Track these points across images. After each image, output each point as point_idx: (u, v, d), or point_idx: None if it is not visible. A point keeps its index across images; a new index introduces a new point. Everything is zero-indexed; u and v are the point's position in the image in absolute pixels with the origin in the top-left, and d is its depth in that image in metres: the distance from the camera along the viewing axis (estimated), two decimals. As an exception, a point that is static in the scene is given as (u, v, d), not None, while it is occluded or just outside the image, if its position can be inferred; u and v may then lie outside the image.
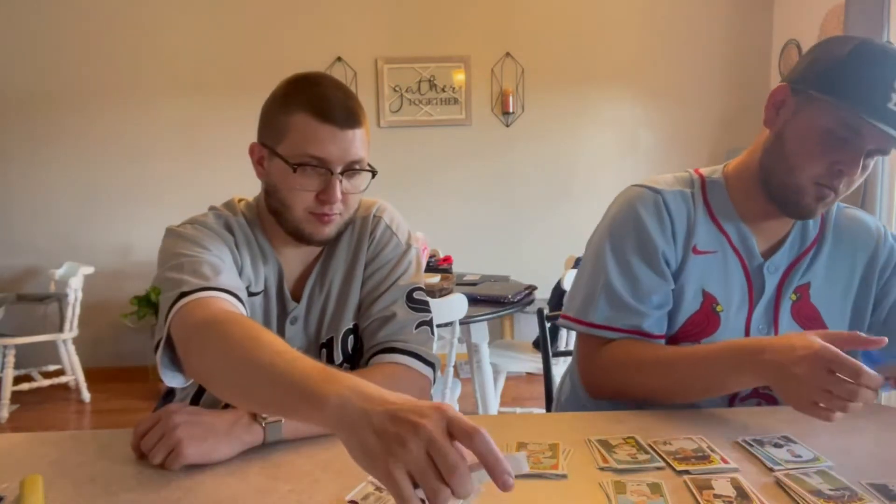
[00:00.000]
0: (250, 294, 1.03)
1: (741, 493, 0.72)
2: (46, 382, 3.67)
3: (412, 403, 0.57)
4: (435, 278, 2.66)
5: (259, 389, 0.71)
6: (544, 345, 1.61)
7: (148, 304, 3.78)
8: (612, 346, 1.07)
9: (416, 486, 0.53)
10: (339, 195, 0.98)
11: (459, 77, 4.10)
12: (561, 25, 4.12)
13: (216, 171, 4.02)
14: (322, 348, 1.10)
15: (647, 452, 0.83)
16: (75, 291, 3.55)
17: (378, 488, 0.73)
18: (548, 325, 1.61)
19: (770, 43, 4.16)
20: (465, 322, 2.40)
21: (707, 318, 1.07)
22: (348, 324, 1.10)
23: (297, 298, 1.09)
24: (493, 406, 2.83)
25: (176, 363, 0.91)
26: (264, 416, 0.84)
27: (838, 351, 0.81)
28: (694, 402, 1.03)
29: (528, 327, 4.09)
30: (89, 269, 3.69)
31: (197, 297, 0.87)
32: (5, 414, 3.41)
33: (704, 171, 1.16)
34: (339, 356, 1.09)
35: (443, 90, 4.11)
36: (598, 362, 1.08)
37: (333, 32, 4.04)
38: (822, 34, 3.57)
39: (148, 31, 3.97)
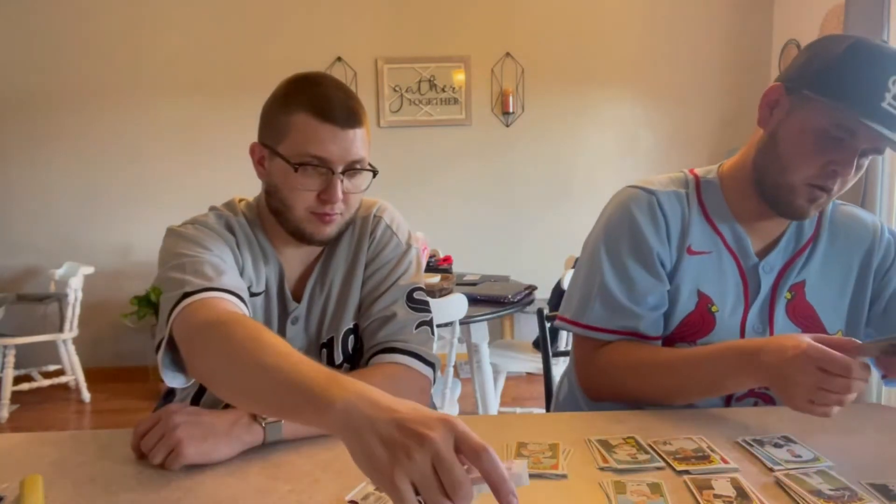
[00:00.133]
0: (252, 294, 1.03)
1: (741, 493, 0.72)
2: (46, 382, 3.67)
3: (420, 413, 0.57)
4: (435, 278, 2.66)
5: (263, 392, 0.71)
6: (544, 345, 1.62)
7: (148, 304, 3.78)
8: (609, 348, 1.07)
9: (417, 494, 0.54)
10: (340, 195, 0.98)
11: (459, 77, 4.10)
12: (561, 25, 4.12)
13: (216, 171, 4.02)
14: (322, 348, 1.10)
15: (647, 452, 0.83)
16: (75, 291, 3.55)
17: (378, 488, 0.73)
18: (548, 325, 1.61)
19: (770, 43, 4.16)
20: (465, 322, 2.40)
21: (702, 319, 1.07)
22: (349, 324, 1.10)
23: (297, 298, 1.09)
24: (493, 406, 2.83)
25: (177, 363, 0.91)
26: (264, 416, 0.84)
27: (826, 348, 0.81)
28: (692, 402, 1.03)
29: (528, 327, 4.09)
30: (89, 269, 3.69)
31: (200, 297, 0.87)
32: (5, 414, 3.41)
33: (699, 171, 1.15)
34: (339, 356, 1.09)
35: (443, 90, 4.11)
36: (595, 364, 1.08)
37: (333, 32, 4.04)
38: (822, 34, 3.56)
39: (148, 31, 3.97)
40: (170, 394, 1.18)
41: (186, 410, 0.83)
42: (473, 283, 3.01)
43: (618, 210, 1.11)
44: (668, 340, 1.09)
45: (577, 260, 1.20)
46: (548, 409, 1.53)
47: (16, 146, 3.99)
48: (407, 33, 4.08)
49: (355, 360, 1.11)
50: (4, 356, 3.44)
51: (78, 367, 3.70)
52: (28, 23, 3.90)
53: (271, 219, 1.05)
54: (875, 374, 0.83)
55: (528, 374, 3.87)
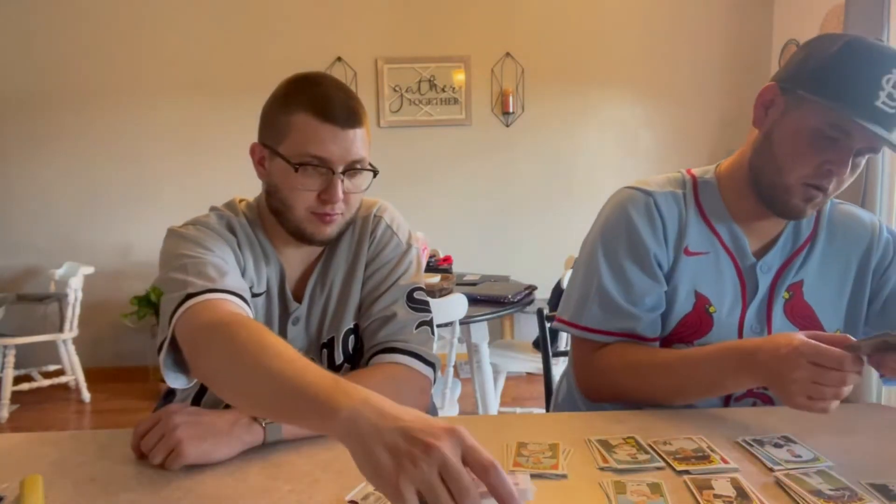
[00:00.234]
0: (253, 295, 1.03)
1: (741, 493, 0.72)
2: (46, 382, 3.67)
3: (426, 423, 0.57)
4: (435, 278, 2.66)
5: (267, 397, 0.71)
6: (544, 345, 1.62)
7: (148, 304, 3.78)
8: (607, 349, 1.07)
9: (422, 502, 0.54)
10: (340, 195, 0.98)
11: (459, 77, 4.10)
12: (561, 25, 4.12)
13: (216, 171, 4.02)
14: (323, 348, 1.10)
15: (647, 452, 0.83)
16: (75, 291, 3.55)
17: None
18: (548, 325, 1.61)
19: (770, 43, 4.16)
20: (465, 322, 2.40)
21: (700, 319, 1.07)
22: (349, 324, 1.10)
23: (298, 299, 1.09)
24: (493, 406, 2.83)
25: (179, 364, 0.91)
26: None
27: (818, 343, 0.82)
28: (690, 403, 1.03)
29: (528, 327, 4.09)
30: (89, 269, 3.69)
31: (203, 298, 0.87)
32: (5, 414, 3.41)
33: (697, 171, 1.15)
34: (339, 356, 1.09)
35: (443, 90, 4.11)
36: (594, 366, 1.08)
37: (333, 32, 4.04)
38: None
39: (148, 31, 3.97)
40: (170, 394, 1.18)
41: (186, 410, 0.83)
42: (473, 283, 3.01)
43: (615, 211, 1.11)
44: (666, 341, 1.09)
45: (576, 260, 1.20)
46: (548, 410, 1.54)
47: (16, 146, 3.99)
48: (407, 33, 4.08)
49: (356, 360, 1.11)
50: (4, 356, 3.44)
51: (78, 367, 3.70)
52: (28, 23, 3.90)
53: (272, 219, 1.05)
54: (875, 374, 0.84)
55: (528, 374, 3.87)
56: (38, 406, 3.66)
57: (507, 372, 3.13)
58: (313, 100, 0.96)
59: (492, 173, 4.21)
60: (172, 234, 1.01)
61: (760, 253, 1.09)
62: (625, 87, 4.19)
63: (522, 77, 4.13)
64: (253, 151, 1.05)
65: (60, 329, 3.63)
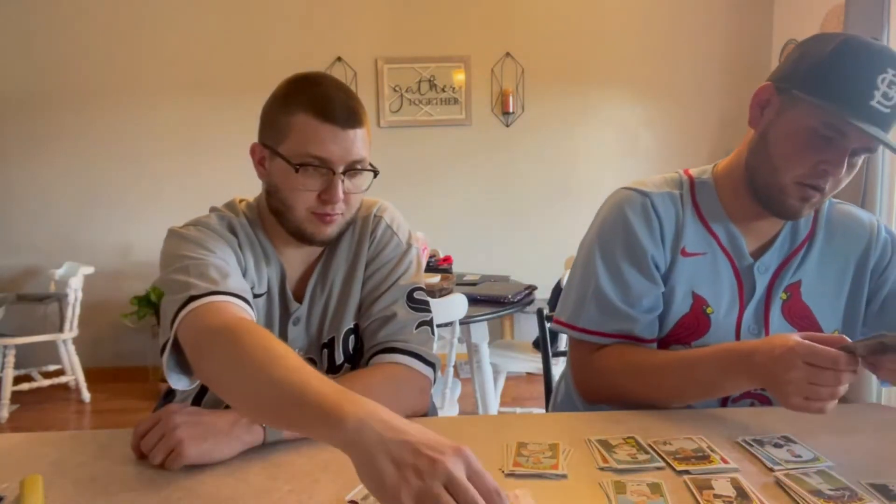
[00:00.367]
0: (254, 296, 1.03)
1: (741, 493, 0.72)
2: (46, 382, 3.67)
3: (432, 439, 0.58)
4: (435, 278, 2.66)
5: (272, 405, 0.71)
6: (544, 345, 1.62)
7: (148, 304, 3.78)
8: (605, 351, 1.07)
9: None
10: (341, 195, 0.98)
11: (459, 77, 4.10)
12: (561, 25, 4.12)
13: (216, 171, 4.02)
14: (323, 348, 1.10)
15: (647, 452, 0.83)
16: (75, 291, 3.55)
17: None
18: (548, 325, 1.61)
19: (770, 43, 4.16)
20: (465, 322, 2.40)
21: (697, 320, 1.07)
22: (349, 324, 1.10)
23: (299, 299, 1.09)
24: (493, 406, 2.83)
25: (181, 365, 0.90)
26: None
27: (812, 344, 0.82)
28: (688, 405, 1.03)
29: (528, 327, 4.09)
30: (89, 269, 3.69)
31: (207, 301, 0.87)
32: (5, 414, 3.41)
33: (694, 171, 1.15)
34: (339, 356, 1.09)
35: (443, 90, 4.11)
36: (591, 367, 1.08)
37: (333, 32, 4.04)
38: (822, 34, 3.56)
39: (148, 31, 3.97)
40: (170, 394, 1.18)
41: (186, 410, 0.83)
42: (473, 283, 3.01)
43: (612, 212, 1.10)
44: (664, 342, 1.09)
45: (573, 262, 1.20)
46: (547, 410, 1.54)
47: (16, 146, 3.99)
48: (407, 33, 4.08)
49: (356, 360, 1.11)
50: (4, 356, 3.44)
51: (78, 367, 3.70)
52: (28, 23, 3.90)
53: (272, 219, 1.05)
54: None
55: (528, 374, 3.87)
56: (38, 406, 3.66)
57: (507, 372, 3.13)
58: (314, 100, 0.96)
59: (492, 173, 4.21)
60: (173, 234, 1.01)
61: (758, 253, 1.09)
62: (625, 87, 4.19)
63: (522, 77, 4.13)
64: (253, 151, 1.05)
65: (60, 329, 3.63)
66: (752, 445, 0.85)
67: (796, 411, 0.83)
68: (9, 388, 3.42)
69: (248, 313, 0.89)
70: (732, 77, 4.18)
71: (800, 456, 0.82)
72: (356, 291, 1.10)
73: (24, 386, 3.56)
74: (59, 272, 3.77)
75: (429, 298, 1.13)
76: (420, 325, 1.07)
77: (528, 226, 4.24)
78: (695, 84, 4.19)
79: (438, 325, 1.99)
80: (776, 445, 0.85)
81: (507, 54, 4.11)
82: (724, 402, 1.08)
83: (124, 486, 0.76)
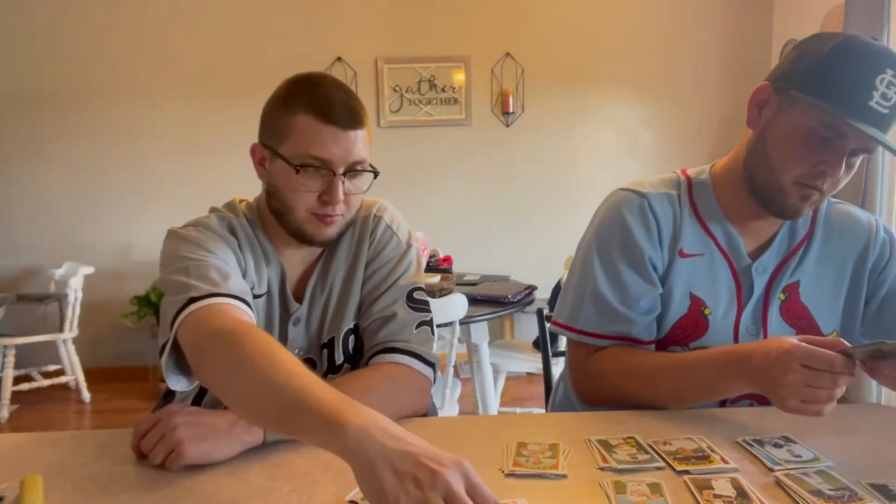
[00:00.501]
0: (254, 296, 1.03)
1: (741, 493, 0.72)
2: (46, 382, 3.67)
3: (433, 451, 0.58)
4: (435, 278, 2.66)
5: (273, 410, 0.71)
6: (544, 345, 1.62)
7: (148, 304, 3.78)
8: (603, 353, 1.07)
9: None
10: (341, 196, 0.98)
11: (459, 77, 4.10)
12: (561, 25, 4.12)
13: (216, 171, 4.02)
14: (323, 348, 1.10)
15: (647, 452, 0.83)
16: (75, 291, 3.55)
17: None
18: (547, 325, 1.61)
19: (770, 43, 4.16)
20: (465, 322, 2.40)
21: (695, 322, 1.06)
22: (349, 324, 1.10)
23: (298, 299, 1.09)
24: (493, 406, 2.83)
25: (181, 366, 0.90)
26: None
27: (808, 346, 0.81)
28: (686, 407, 1.03)
29: (528, 327, 4.09)
30: (89, 269, 3.69)
31: (207, 303, 0.86)
32: (5, 414, 3.41)
33: (691, 171, 1.14)
34: (339, 356, 1.09)
35: (443, 90, 4.11)
36: (589, 369, 1.08)
37: (333, 32, 4.04)
38: (822, 34, 3.56)
39: (148, 31, 3.97)
40: (170, 394, 1.18)
41: (186, 411, 0.83)
42: (473, 283, 3.01)
43: (609, 213, 1.10)
44: (662, 344, 1.08)
45: (571, 263, 1.20)
46: (547, 410, 1.54)
47: (16, 146, 3.99)
48: (407, 33, 4.08)
49: (356, 360, 1.11)
50: (4, 356, 3.44)
51: (78, 367, 3.70)
52: (29, 23, 3.90)
53: (272, 219, 1.05)
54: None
55: (528, 374, 3.87)
56: (38, 406, 3.66)
57: (507, 372, 3.13)
58: (314, 101, 0.96)
59: (492, 173, 4.21)
60: (173, 235, 1.00)
61: (756, 254, 1.08)
62: (625, 87, 4.19)
63: (522, 77, 4.13)
64: (253, 152, 1.04)
65: (60, 329, 3.63)
66: (752, 445, 0.85)
67: (793, 414, 0.83)
68: (9, 388, 3.42)
69: (248, 315, 0.89)
70: (732, 77, 4.17)
71: (800, 456, 0.82)
72: (356, 291, 1.10)
73: (24, 386, 3.55)
74: (59, 272, 3.77)
75: (429, 298, 1.13)
76: (420, 324, 1.07)
77: (528, 226, 4.24)
78: (695, 84, 4.19)
79: (438, 325, 1.99)
80: (776, 445, 0.85)
81: (507, 54, 4.11)
82: (723, 403, 1.08)
83: (124, 486, 0.76)
